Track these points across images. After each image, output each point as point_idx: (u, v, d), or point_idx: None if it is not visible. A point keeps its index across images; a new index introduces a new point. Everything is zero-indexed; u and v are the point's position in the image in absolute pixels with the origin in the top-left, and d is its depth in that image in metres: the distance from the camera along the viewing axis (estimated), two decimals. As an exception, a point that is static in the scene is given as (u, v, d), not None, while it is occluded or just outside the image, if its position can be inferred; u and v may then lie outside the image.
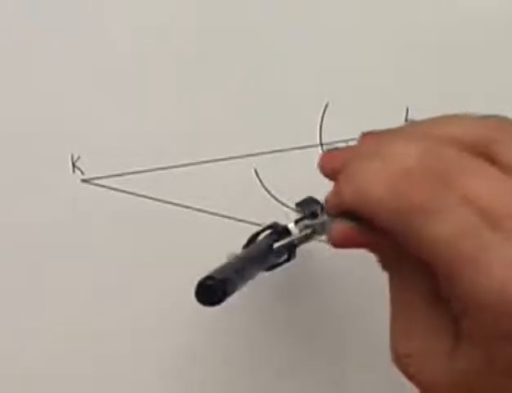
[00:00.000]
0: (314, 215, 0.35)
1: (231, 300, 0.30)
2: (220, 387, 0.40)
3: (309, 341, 0.39)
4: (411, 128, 0.29)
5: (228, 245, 0.38)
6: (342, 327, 0.39)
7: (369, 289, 0.39)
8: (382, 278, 0.29)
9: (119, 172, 0.39)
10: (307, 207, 0.35)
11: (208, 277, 0.30)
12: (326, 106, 0.39)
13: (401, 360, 0.27)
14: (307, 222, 0.34)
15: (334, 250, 0.28)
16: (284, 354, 0.39)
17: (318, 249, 0.38)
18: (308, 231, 0.35)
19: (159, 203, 0.39)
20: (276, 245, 0.34)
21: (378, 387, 0.39)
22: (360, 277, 0.39)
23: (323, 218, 0.31)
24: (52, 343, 0.39)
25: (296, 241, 0.34)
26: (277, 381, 0.39)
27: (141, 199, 0.39)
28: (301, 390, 0.40)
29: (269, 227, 0.36)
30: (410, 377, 0.27)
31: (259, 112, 0.39)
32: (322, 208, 0.31)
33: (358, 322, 0.39)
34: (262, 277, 0.35)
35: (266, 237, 0.35)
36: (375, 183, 0.26)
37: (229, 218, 0.39)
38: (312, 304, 0.39)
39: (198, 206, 0.39)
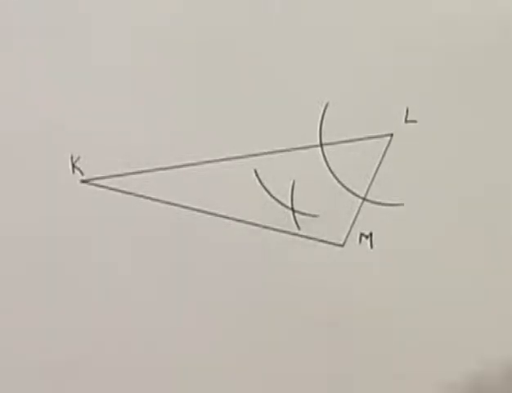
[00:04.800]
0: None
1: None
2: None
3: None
4: None
5: (228, 245, 0.39)
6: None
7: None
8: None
9: (119, 172, 0.39)
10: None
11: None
12: (326, 106, 0.39)
13: None
14: None
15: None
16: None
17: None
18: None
19: (158, 203, 0.39)
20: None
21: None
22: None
23: None
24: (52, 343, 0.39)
25: None
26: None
27: (141, 199, 0.39)
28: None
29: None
30: None
31: (259, 112, 0.39)
32: None
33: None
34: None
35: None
36: None
37: (229, 218, 0.39)
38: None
39: (197, 206, 0.39)
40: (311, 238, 0.38)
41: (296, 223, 0.38)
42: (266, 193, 0.39)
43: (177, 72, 0.39)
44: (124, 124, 0.39)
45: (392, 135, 0.38)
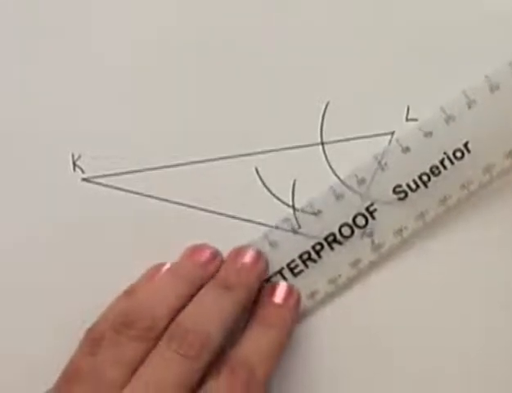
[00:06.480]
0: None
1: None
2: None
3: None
4: None
5: (231, 244, 0.39)
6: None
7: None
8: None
9: (120, 171, 0.39)
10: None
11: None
12: (327, 105, 0.39)
13: None
14: None
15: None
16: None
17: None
18: None
19: (160, 202, 0.39)
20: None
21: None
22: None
23: None
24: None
25: None
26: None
27: (143, 198, 0.39)
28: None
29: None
30: None
31: (260, 111, 0.39)
32: None
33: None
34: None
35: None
36: None
37: (233, 217, 0.39)
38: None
39: (199, 205, 0.39)
40: (312, 237, 0.38)
41: (297, 221, 0.39)
42: (267, 191, 0.39)
43: (177, 71, 0.39)
44: (125, 123, 0.39)
45: (392, 133, 0.38)
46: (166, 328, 0.35)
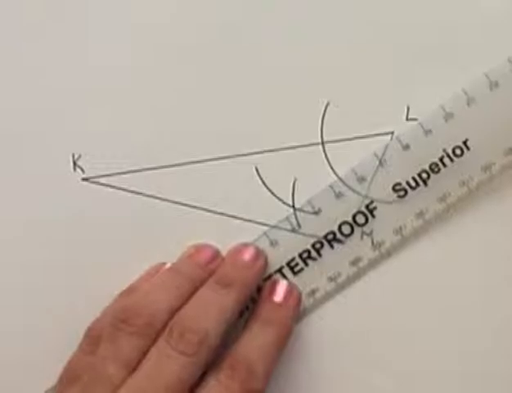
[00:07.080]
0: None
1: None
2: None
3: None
4: None
5: (231, 244, 0.39)
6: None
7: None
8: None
9: (120, 171, 0.39)
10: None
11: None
12: (328, 104, 0.39)
13: None
14: None
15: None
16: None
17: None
18: None
19: (160, 202, 0.39)
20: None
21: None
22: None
23: None
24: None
25: None
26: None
27: (143, 198, 0.39)
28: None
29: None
30: None
31: (260, 111, 0.39)
32: None
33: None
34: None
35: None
36: None
37: (233, 217, 0.39)
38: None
39: (198, 204, 0.39)
40: (312, 236, 0.39)
41: (297, 220, 0.39)
42: (267, 191, 0.39)
43: (177, 71, 0.39)
44: (126, 123, 0.39)
45: (393, 133, 0.38)
46: (165, 326, 0.35)
